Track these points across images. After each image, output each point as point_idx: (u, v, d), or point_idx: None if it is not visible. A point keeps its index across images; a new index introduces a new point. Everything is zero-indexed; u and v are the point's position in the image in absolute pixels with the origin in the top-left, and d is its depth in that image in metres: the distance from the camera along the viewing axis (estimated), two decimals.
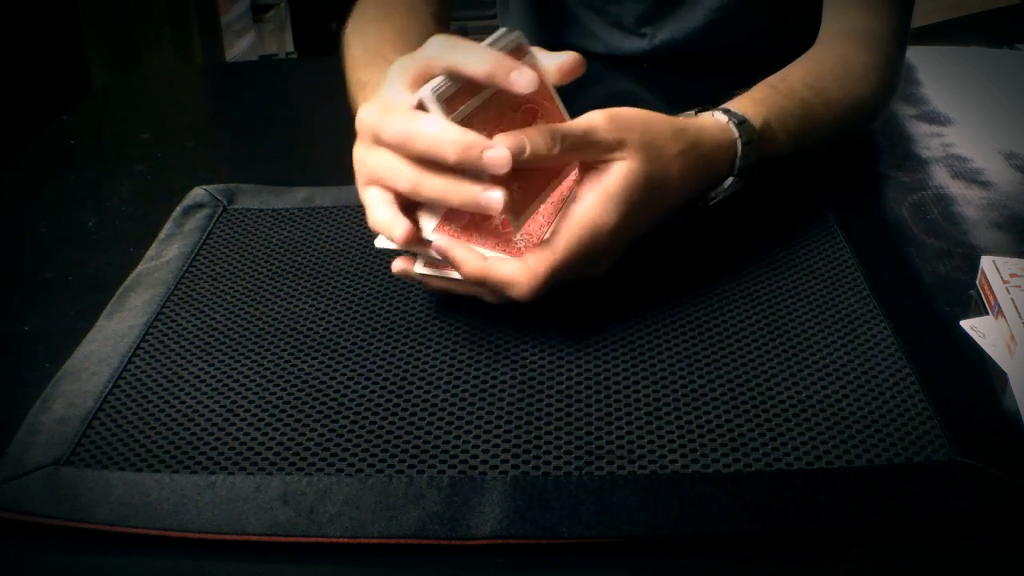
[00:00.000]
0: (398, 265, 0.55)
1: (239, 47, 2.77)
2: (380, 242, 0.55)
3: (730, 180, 0.60)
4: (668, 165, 0.55)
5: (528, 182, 0.52)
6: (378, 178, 0.52)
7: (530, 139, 0.49)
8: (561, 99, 0.55)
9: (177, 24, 2.26)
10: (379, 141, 0.52)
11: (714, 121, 0.60)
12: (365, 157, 0.53)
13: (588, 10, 1.00)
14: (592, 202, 0.52)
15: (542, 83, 0.53)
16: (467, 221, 0.53)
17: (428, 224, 0.52)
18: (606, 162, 0.52)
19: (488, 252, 0.52)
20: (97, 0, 2.14)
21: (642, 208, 0.53)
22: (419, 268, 0.54)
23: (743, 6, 0.94)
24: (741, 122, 0.60)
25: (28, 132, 0.90)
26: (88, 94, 1.05)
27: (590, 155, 0.52)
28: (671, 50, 0.98)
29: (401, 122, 0.50)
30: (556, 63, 0.53)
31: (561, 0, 1.01)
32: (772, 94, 0.65)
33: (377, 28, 0.77)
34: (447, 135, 0.49)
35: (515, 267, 0.50)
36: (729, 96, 0.64)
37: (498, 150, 0.48)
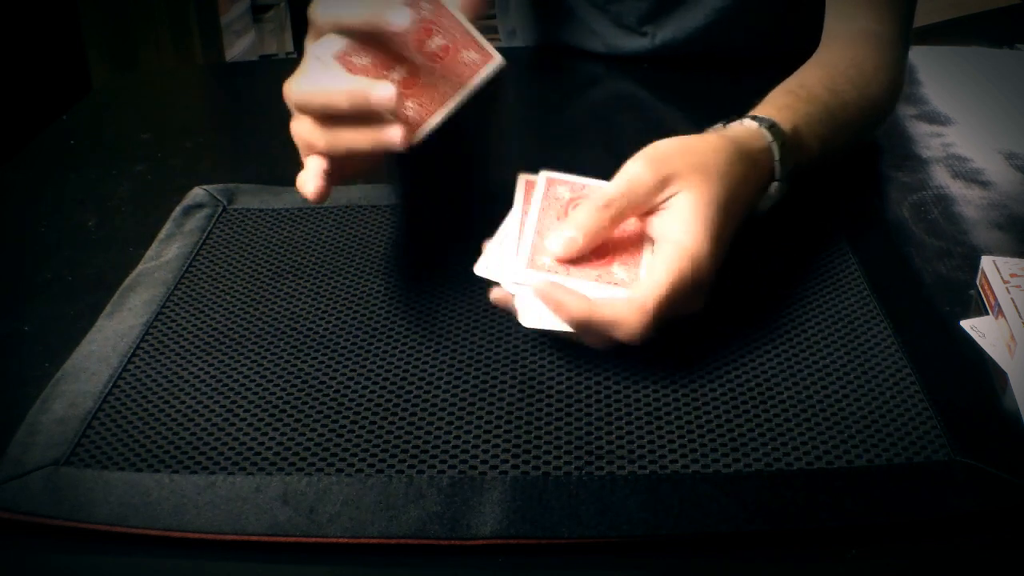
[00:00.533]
0: (497, 294, 0.52)
1: (239, 47, 2.77)
2: (480, 270, 0.52)
3: (775, 185, 0.59)
4: (723, 180, 0.53)
5: (426, 95, 0.52)
6: (307, 144, 0.54)
7: (581, 227, 0.50)
8: (479, 32, 0.54)
9: (177, 24, 2.26)
10: (295, 109, 0.54)
11: (745, 128, 0.59)
12: (293, 127, 0.55)
13: (589, 8, 1.00)
14: (681, 232, 0.50)
15: (448, 16, 0.53)
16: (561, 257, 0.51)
17: (519, 264, 0.51)
18: (665, 202, 0.51)
19: (588, 284, 0.50)
20: (97, 0, 2.14)
21: (724, 228, 0.52)
22: (525, 322, 0.49)
23: (745, 6, 0.94)
24: (771, 126, 0.60)
25: (28, 132, 0.90)
26: (88, 94, 1.05)
27: (645, 204, 0.52)
28: (672, 49, 0.98)
29: (298, 85, 0.53)
30: None
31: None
32: (795, 100, 0.65)
33: None
34: (334, 86, 0.50)
35: (623, 306, 0.48)
36: (750, 105, 0.64)
37: (382, 87, 0.49)
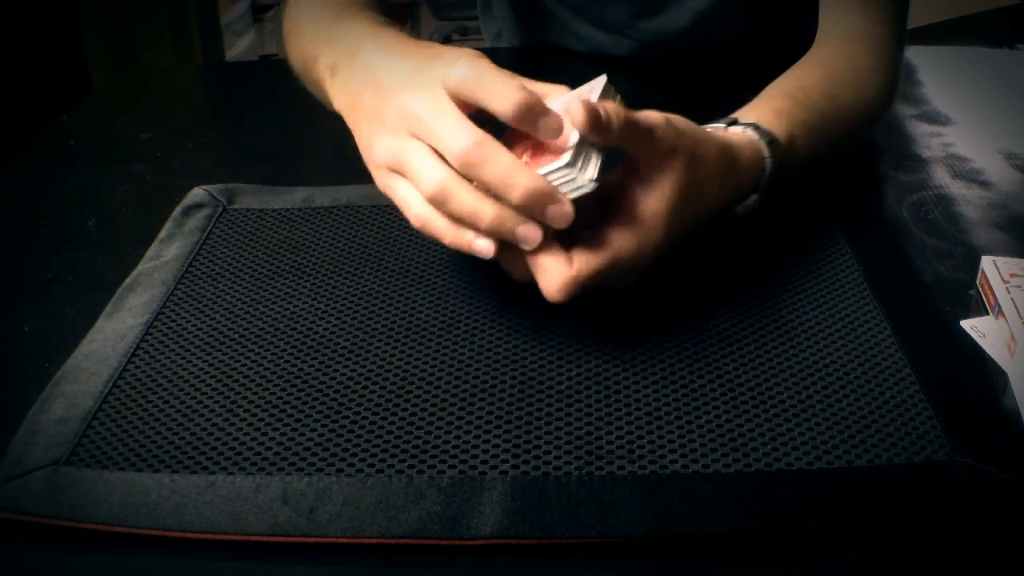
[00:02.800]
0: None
1: (239, 47, 2.77)
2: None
3: (753, 197, 0.59)
4: (708, 182, 0.53)
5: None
6: (404, 168, 0.50)
7: (605, 108, 0.47)
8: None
9: (177, 24, 2.26)
10: (436, 145, 0.49)
11: (747, 139, 0.59)
12: (398, 144, 0.50)
13: (570, 12, 1.00)
14: (648, 213, 0.50)
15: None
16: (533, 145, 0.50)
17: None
18: (655, 167, 0.51)
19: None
20: (97, 0, 2.14)
21: (680, 222, 0.52)
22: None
23: (727, 7, 0.94)
24: (771, 141, 0.59)
25: (28, 132, 0.90)
26: (88, 94, 1.05)
27: (642, 149, 0.50)
28: (655, 50, 0.98)
29: (470, 140, 0.47)
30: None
31: (543, 1, 1.01)
32: (792, 105, 0.64)
33: (322, 4, 0.71)
34: (518, 177, 0.46)
35: (558, 263, 0.48)
36: (745, 99, 0.64)
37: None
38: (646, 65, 0.97)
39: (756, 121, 0.61)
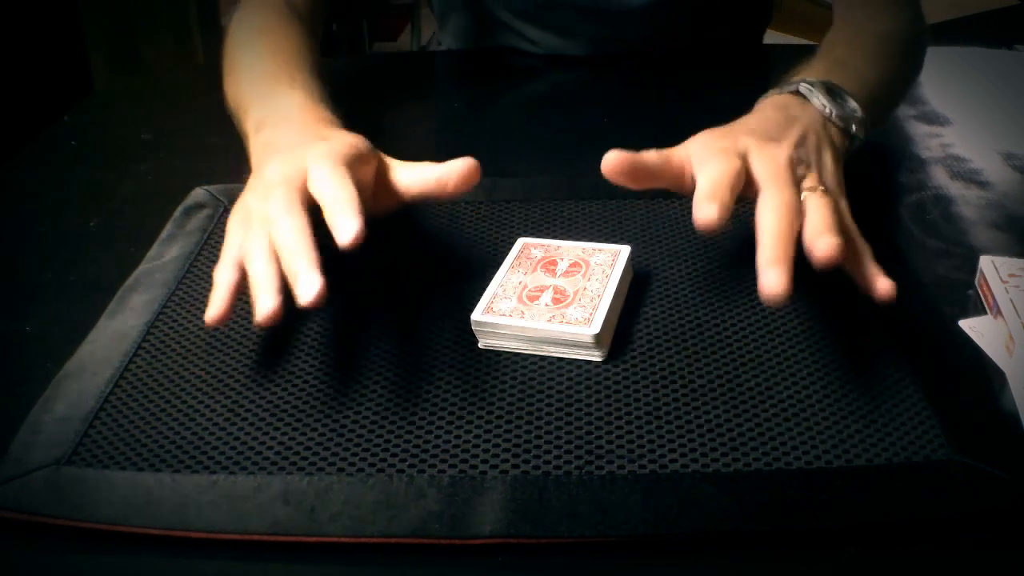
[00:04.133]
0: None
1: None
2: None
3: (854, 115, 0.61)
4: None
5: (586, 298, 0.54)
6: (247, 223, 0.51)
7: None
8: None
9: (177, 24, 2.26)
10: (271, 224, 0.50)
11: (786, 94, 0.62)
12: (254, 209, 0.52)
13: (522, 20, 1.01)
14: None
15: (563, 244, 0.59)
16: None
17: (478, 310, 0.53)
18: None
19: (542, 324, 0.52)
20: (98, 1, 2.14)
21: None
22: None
23: (677, 5, 0.95)
24: (804, 84, 0.62)
25: (29, 133, 0.90)
26: (89, 95, 1.05)
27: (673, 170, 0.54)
28: (609, 49, 0.99)
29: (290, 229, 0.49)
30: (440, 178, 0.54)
31: (494, 11, 1.02)
32: (818, 60, 0.67)
33: (264, 53, 0.73)
34: (305, 276, 0.48)
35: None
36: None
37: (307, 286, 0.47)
38: (601, 64, 0.98)
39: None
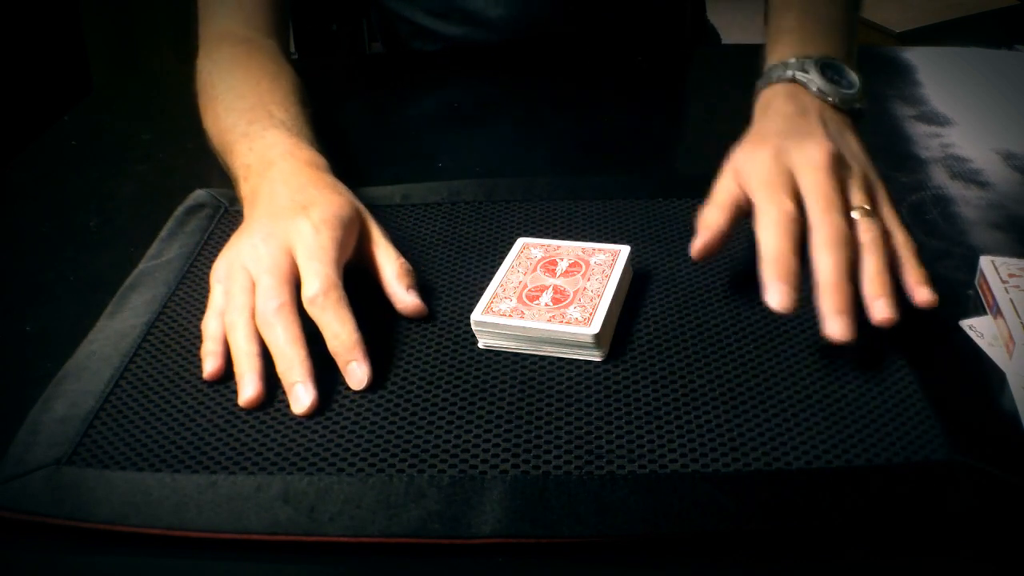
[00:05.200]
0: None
1: None
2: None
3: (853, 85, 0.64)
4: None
5: (585, 298, 0.54)
6: (252, 315, 0.52)
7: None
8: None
9: (177, 25, 2.26)
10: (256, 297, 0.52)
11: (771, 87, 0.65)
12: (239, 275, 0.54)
13: (434, 17, 1.02)
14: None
15: (563, 244, 0.60)
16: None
17: (477, 310, 0.54)
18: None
19: (542, 324, 0.52)
20: (98, 1, 2.14)
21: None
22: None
23: None
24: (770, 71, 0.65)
25: (30, 133, 0.90)
26: (89, 95, 1.05)
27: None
28: (518, 34, 1.01)
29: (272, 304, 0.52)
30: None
31: (407, 16, 1.04)
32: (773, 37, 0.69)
33: (243, 92, 0.72)
34: (289, 351, 0.51)
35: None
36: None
37: (301, 397, 0.49)
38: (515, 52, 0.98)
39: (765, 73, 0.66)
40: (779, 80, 0.64)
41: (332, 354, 0.51)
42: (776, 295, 0.49)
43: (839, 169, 0.55)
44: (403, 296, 0.56)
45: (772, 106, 0.63)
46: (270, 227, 0.55)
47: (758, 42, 0.74)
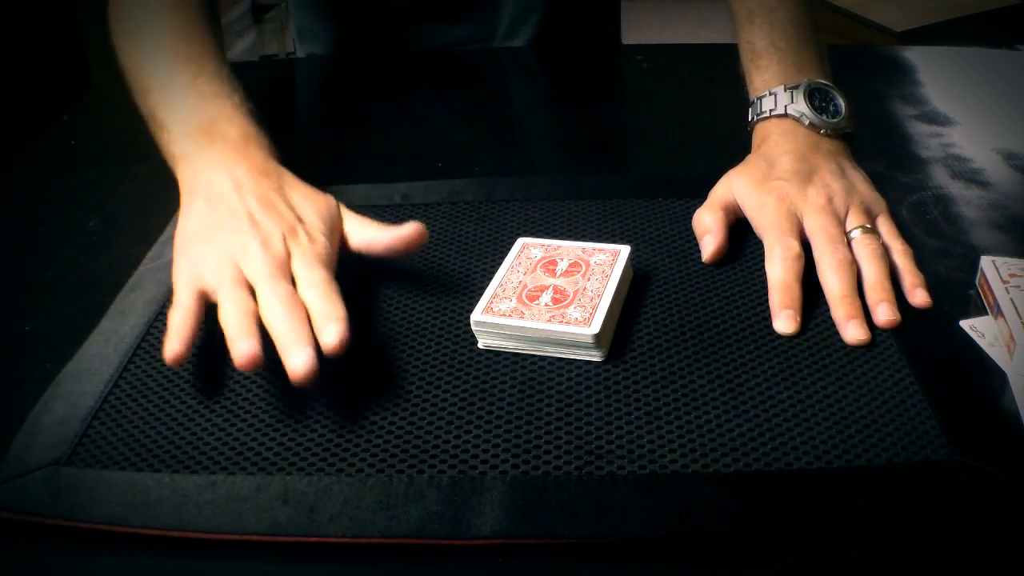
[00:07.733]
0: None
1: (239, 47, 2.77)
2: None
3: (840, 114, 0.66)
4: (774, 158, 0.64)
5: (585, 298, 0.54)
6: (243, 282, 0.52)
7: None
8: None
9: None
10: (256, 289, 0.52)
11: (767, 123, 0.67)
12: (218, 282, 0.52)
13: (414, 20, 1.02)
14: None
15: (563, 245, 0.60)
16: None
17: (477, 309, 0.54)
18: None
19: (541, 324, 0.52)
20: (98, 1, 2.14)
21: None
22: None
23: None
24: (756, 103, 0.68)
25: (29, 132, 0.90)
26: (89, 94, 1.05)
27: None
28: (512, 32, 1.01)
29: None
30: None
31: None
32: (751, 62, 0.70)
33: (161, 40, 0.70)
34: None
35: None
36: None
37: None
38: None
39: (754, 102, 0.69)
40: (772, 115, 0.66)
41: (313, 316, 0.50)
42: (783, 320, 0.54)
43: (840, 204, 0.60)
44: (407, 231, 0.56)
45: (770, 142, 0.65)
46: (251, 237, 0.54)
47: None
